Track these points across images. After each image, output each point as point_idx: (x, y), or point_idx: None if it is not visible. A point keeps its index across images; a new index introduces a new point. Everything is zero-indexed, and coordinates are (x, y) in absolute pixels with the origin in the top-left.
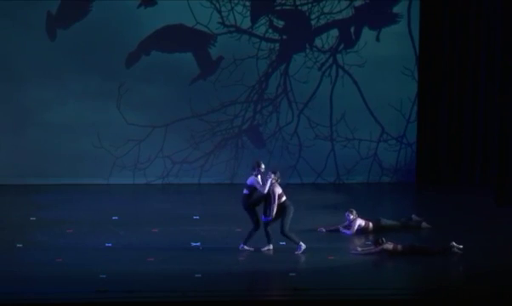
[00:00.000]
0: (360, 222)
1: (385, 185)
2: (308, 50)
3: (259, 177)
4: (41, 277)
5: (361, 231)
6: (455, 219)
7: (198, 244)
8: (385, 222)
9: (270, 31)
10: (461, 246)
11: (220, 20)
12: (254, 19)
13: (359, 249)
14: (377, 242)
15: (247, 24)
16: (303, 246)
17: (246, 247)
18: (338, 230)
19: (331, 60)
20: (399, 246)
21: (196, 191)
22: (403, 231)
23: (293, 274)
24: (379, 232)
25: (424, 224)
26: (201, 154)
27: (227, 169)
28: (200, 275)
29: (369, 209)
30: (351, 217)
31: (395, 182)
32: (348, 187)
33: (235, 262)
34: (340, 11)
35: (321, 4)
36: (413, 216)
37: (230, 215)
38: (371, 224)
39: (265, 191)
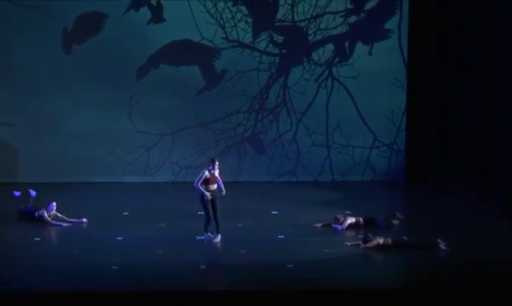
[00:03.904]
0: (350, 221)
1: (377, 184)
2: (305, 63)
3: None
4: (58, 268)
5: (353, 226)
6: (441, 215)
7: (203, 237)
8: (375, 217)
9: (271, 45)
10: (448, 249)
11: (224, 36)
12: (256, 35)
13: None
14: (365, 241)
15: (249, 39)
16: (219, 237)
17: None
18: (330, 225)
19: (327, 73)
20: (389, 240)
21: None
22: (390, 228)
23: (291, 265)
24: (370, 226)
25: (396, 220)
26: (206, 160)
27: (230, 174)
28: (204, 266)
29: (361, 205)
30: (340, 221)
31: (385, 180)
32: (342, 185)
33: (236, 254)
34: (335, 27)
35: (317, 21)
36: (397, 213)
37: (232, 211)
38: (361, 219)
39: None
